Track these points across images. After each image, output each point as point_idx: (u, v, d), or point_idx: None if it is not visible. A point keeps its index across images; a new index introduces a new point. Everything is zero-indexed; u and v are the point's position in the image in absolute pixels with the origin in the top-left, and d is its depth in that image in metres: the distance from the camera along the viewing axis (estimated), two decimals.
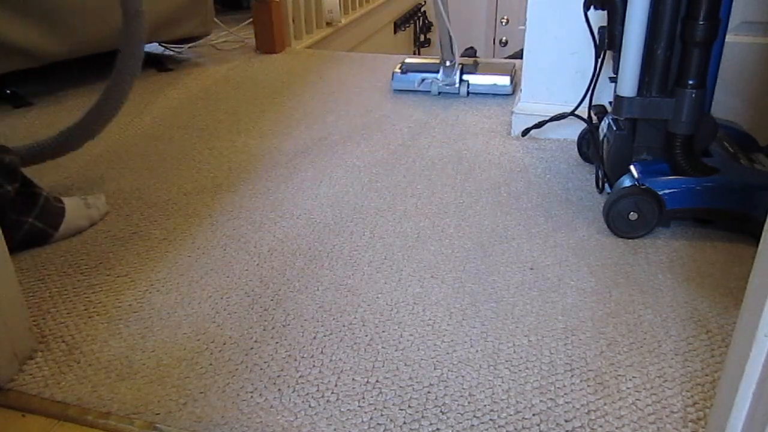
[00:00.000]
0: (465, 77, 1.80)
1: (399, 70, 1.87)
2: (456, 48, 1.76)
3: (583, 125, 1.35)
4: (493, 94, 1.80)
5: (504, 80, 1.79)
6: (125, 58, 1.27)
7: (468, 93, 1.81)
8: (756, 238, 0.60)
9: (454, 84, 1.80)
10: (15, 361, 0.82)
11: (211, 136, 1.56)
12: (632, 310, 0.92)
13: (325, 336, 0.88)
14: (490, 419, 0.74)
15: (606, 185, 1.22)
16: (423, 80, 1.83)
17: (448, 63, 1.78)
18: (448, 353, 0.84)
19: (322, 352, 0.85)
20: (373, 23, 3.23)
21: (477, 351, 0.84)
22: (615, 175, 1.15)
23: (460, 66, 1.81)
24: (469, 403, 0.76)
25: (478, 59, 1.90)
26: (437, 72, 1.81)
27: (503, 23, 4.26)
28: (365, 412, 0.75)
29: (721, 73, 1.12)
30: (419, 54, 4.21)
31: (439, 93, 1.82)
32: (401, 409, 0.75)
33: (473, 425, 0.73)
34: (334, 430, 0.73)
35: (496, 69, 1.83)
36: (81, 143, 1.27)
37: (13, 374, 0.82)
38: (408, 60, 1.92)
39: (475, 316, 0.91)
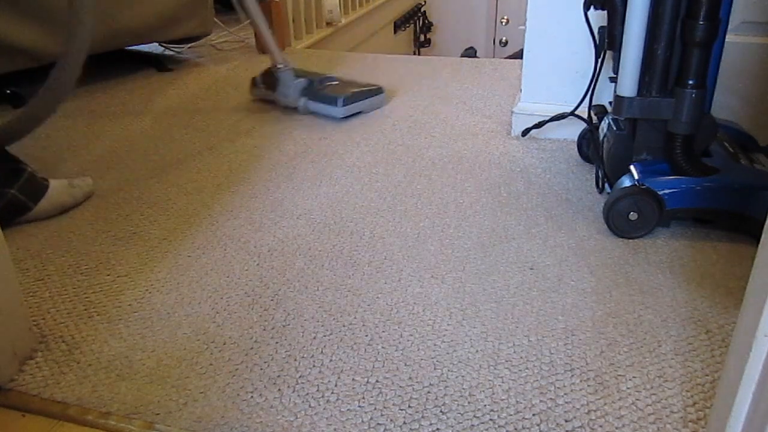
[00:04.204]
0: (303, 96, 1.68)
1: (258, 78, 1.76)
2: (277, 53, 1.64)
3: (583, 125, 1.35)
4: (326, 115, 1.67)
5: (334, 110, 1.64)
6: (71, 37, 1.24)
7: (306, 110, 1.68)
8: (756, 238, 0.60)
9: (289, 98, 1.68)
10: (15, 361, 0.82)
11: (211, 136, 1.56)
12: (632, 310, 0.92)
13: (325, 336, 0.88)
14: (490, 419, 0.74)
15: (606, 185, 1.22)
16: (263, 89, 1.73)
17: (280, 66, 1.66)
18: (448, 353, 0.84)
19: (322, 352, 0.85)
20: (373, 23, 3.23)
21: (477, 351, 0.84)
22: (615, 175, 1.15)
23: (304, 81, 1.69)
24: (469, 403, 0.76)
25: (331, 76, 1.77)
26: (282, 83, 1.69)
27: (503, 23, 4.26)
28: (365, 412, 0.75)
29: (721, 73, 1.12)
30: (419, 54, 4.21)
31: (285, 107, 1.71)
32: (401, 409, 0.75)
33: (473, 425, 0.73)
34: (334, 430, 0.73)
35: (334, 91, 1.67)
36: (30, 129, 1.25)
37: (13, 374, 0.82)
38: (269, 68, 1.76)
39: (475, 316, 0.91)
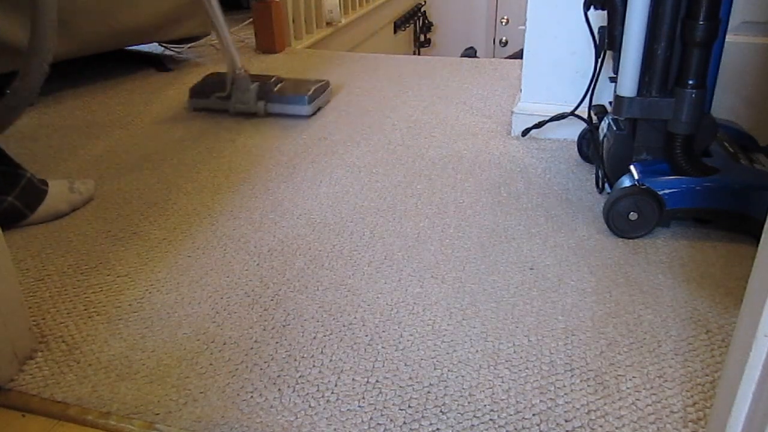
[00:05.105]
0: (261, 100, 1.66)
1: (197, 86, 1.75)
2: (237, 58, 1.61)
3: (583, 125, 1.35)
4: (291, 115, 1.68)
5: (302, 108, 1.66)
6: (32, 50, 1.22)
7: (266, 113, 1.67)
8: (756, 238, 0.60)
9: (248, 103, 1.66)
10: (15, 361, 0.82)
11: (211, 136, 1.56)
12: (632, 310, 0.92)
13: (325, 336, 0.88)
14: (490, 419, 0.74)
15: (606, 185, 1.22)
16: (217, 97, 1.69)
17: (239, 72, 1.62)
18: (448, 353, 0.84)
19: (322, 352, 0.85)
20: (373, 23, 3.23)
21: (477, 351, 0.84)
22: (615, 175, 1.15)
23: (257, 85, 1.66)
24: (469, 403, 0.76)
25: (280, 77, 1.76)
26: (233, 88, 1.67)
27: (503, 23, 4.26)
28: (365, 412, 0.75)
29: (721, 73, 1.12)
30: (419, 54, 4.21)
31: (237, 113, 1.68)
32: (401, 409, 0.75)
33: (473, 425, 0.73)
34: (334, 430, 0.73)
35: (295, 90, 1.68)
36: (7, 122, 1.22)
37: (13, 374, 0.82)
38: (210, 74, 1.79)
39: (475, 316, 0.91)
